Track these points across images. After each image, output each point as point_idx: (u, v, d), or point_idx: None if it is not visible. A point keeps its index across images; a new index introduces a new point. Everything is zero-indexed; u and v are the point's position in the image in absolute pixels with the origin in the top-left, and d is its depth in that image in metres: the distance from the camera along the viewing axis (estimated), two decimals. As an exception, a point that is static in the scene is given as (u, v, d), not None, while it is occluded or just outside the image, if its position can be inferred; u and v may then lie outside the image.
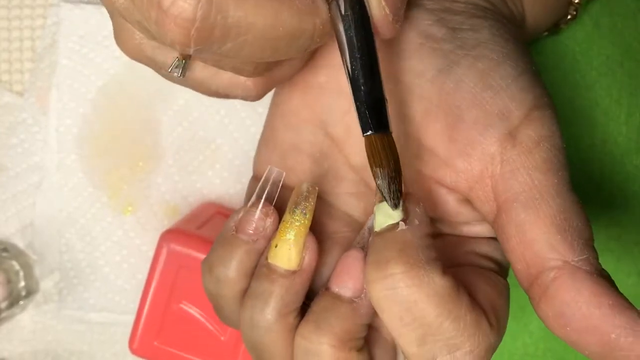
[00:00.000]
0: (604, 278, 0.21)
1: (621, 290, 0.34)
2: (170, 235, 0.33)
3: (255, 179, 0.30)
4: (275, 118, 0.29)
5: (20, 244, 0.38)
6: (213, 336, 0.33)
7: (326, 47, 0.27)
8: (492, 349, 0.23)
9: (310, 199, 0.26)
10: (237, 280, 0.26)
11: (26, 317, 0.39)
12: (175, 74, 0.25)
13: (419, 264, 0.22)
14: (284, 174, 0.27)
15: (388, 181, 0.23)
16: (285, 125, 0.28)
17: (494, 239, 0.26)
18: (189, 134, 0.37)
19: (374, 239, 0.23)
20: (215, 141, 0.37)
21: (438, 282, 0.22)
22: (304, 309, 0.26)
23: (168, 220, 0.38)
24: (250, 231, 0.26)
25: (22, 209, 0.38)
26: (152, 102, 0.37)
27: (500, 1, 0.27)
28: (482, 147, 0.23)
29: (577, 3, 0.32)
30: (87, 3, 0.37)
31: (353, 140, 0.28)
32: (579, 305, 0.21)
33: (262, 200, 0.26)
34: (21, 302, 0.37)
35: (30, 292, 0.37)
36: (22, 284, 0.37)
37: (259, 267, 0.26)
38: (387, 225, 0.23)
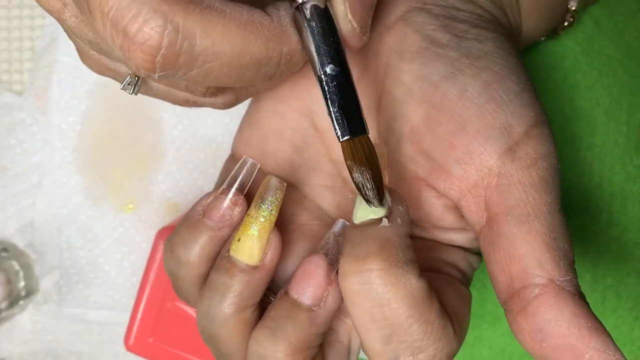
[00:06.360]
0: (584, 300, 0.22)
1: (621, 290, 0.35)
2: (167, 232, 0.33)
3: (232, 158, 0.30)
4: (262, 99, 0.29)
5: (20, 244, 0.38)
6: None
7: None
8: (452, 355, 0.23)
9: (277, 195, 0.26)
10: (198, 265, 0.26)
11: (26, 317, 0.39)
12: (128, 91, 0.25)
13: (398, 263, 0.22)
14: (258, 166, 0.27)
15: (370, 182, 0.23)
16: (272, 108, 0.28)
17: (462, 248, 0.27)
18: (190, 132, 0.37)
19: (353, 231, 0.23)
20: (216, 139, 0.37)
21: (414, 283, 0.22)
22: (261, 303, 0.26)
23: (169, 217, 0.38)
24: (217, 218, 0.26)
25: (22, 209, 0.38)
26: (153, 99, 0.37)
27: (500, 11, 0.27)
28: (481, 157, 0.23)
29: (574, 10, 0.32)
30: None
31: None
32: (559, 324, 0.21)
33: (233, 189, 0.26)
34: (21, 302, 0.37)
35: (30, 292, 0.37)
36: (22, 284, 0.37)
37: (219, 259, 0.26)
38: (369, 219, 0.23)
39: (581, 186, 0.35)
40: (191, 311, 0.33)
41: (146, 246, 0.38)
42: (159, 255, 0.33)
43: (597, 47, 0.34)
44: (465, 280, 0.27)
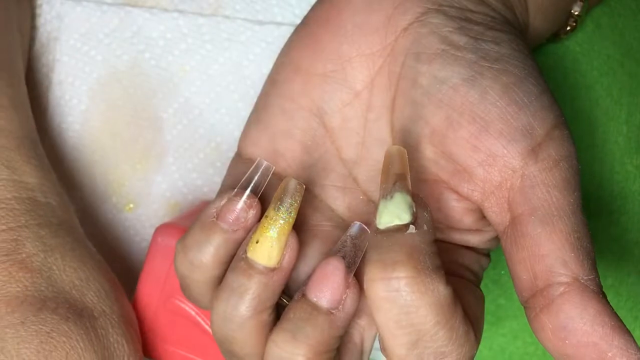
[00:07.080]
0: (607, 299, 0.22)
1: (621, 289, 0.35)
2: (166, 229, 0.32)
3: (238, 157, 0.30)
4: (270, 97, 0.29)
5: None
6: (206, 332, 0.32)
7: (333, 38, 0.27)
8: (472, 359, 0.23)
9: (296, 197, 0.25)
10: (211, 267, 0.26)
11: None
12: None
13: (426, 270, 0.22)
14: (273, 168, 0.27)
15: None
16: (281, 107, 0.28)
17: (474, 250, 0.27)
18: (190, 132, 0.37)
19: (378, 236, 0.23)
20: (216, 139, 0.37)
21: (442, 291, 0.22)
22: (277, 305, 0.26)
23: (168, 217, 0.38)
24: (231, 220, 0.26)
25: (22, 207, 0.38)
26: (153, 99, 0.37)
27: (510, 12, 0.27)
28: (504, 159, 0.23)
29: (577, 15, 0.32)
30: (89, 1, 0.37)
31: (347, 133, 0.28)
32: (584, 321, 0.21)
33: (247, 191, 0.26)
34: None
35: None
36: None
37: (236, 260, 0.26)
38: (394, 225, 0.23)
39: (581, 186, 0.35)
40: (188, 309, 0.32)
41: (146, 246, 0.38)
42: (156, 253, 0.32)
43: (597, 48, 0.35)
44: (478, 282, 0.27)
